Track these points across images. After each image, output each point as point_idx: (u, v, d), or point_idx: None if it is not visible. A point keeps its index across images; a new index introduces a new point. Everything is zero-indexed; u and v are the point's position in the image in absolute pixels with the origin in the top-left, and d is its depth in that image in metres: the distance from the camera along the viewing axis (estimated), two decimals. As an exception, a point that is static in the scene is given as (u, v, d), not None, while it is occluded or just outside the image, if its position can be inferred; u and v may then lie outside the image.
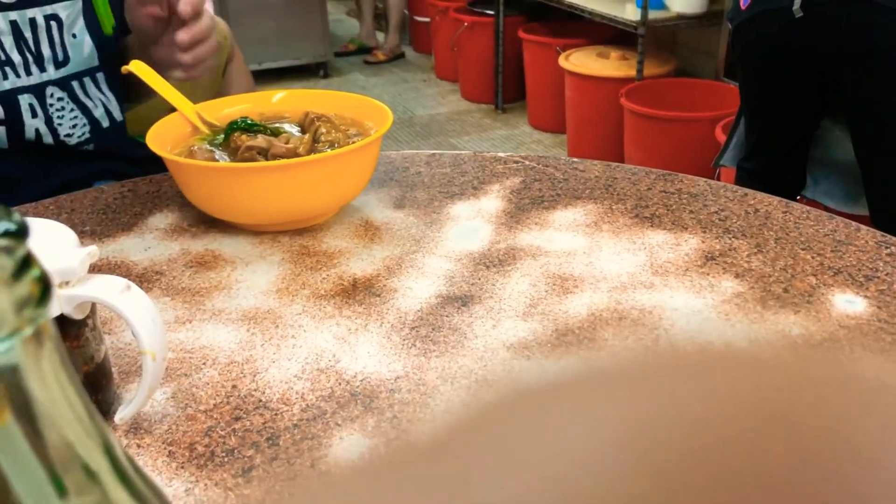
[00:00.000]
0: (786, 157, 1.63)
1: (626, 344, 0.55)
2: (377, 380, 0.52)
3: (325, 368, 0.54)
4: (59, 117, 0.87)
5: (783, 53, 1.51)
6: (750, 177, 1.64)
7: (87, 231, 0.73)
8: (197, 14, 0.79)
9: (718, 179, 2.10)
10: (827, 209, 1.63)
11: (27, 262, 0.18)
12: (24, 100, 0.85)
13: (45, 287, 0.19)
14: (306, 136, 0.72)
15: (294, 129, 0.76)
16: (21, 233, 0.19)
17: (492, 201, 0.77)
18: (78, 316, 0.43)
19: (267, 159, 0.69)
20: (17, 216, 0.19)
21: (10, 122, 0.84)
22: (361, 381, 0.52)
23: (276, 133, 0.74)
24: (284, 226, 0.71)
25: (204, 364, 0.55)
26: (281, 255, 0.68)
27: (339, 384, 0.52)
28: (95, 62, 0.90)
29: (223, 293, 0.63)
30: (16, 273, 0.18)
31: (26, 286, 0.18)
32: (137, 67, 0.77)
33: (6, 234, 0.19)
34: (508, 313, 0.59)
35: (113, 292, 0.42)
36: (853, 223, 0.70)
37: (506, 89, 3.56)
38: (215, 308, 0.61)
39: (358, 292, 0.62)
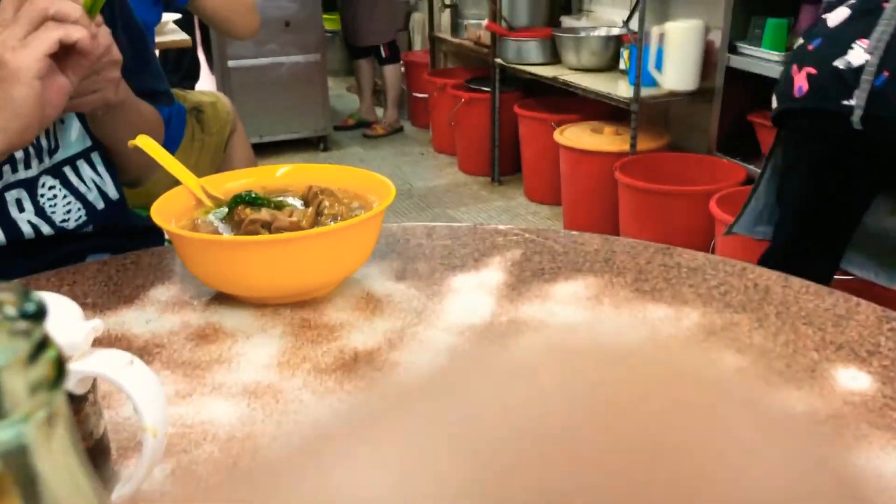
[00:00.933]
0: (830, 243, 1.52)
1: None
2: (379, 456, 0.52)
3: (327, 444, 0.53)
4: (51, 206, 0.86)
5: (841, 153, 1.40)
6: (787, 260, 1.46)
7: (89, 303, 0.73)
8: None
9: (713, 252, 2.11)
10: (861, 281, 1.58)
11: (44, 343, 0.18)
12: (11, 195, 0.83)
13: (60, 368, 0.19)
14: (310, 209, 0.73)
15: (298, 203, 0.77)
16: (39, 314, 0.19)
17: (493, 273, 0.77)
18: (80, 391, 0.43)
19: (270, 233, 0.69)
20: (35, 296, 0.19)
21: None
22: (363, 457, 0.52)
23: (279, 206, 0.75)
24: (287, 299, 0.71)
25: (204, 440, 0.54)
26: (282, 328, 0.68)
27: (341, 461, 0.51)
28: (88, 143, 0.89)
29: (224, 367, 0.62)
30: (32, 356, 0.18)
31: (42, 368, 0.18)
32: (143, 142, 0.78)
33: (24, 315, 0.19)
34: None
35: (117, 367, 0.41)
36: (853, 298, 0.70)
37: (502, 162, 3.61)
38: (216, 382, 0.61)
39: (359, 366, 0.62)
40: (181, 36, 2.62)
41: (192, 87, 3.89)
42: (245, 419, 0.56)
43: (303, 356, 0.64)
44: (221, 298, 0.73)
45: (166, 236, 1.18)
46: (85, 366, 0.41)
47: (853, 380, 0.58)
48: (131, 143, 0.78)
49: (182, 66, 4.07)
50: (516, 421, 0.16)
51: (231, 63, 3.77)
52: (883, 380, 0.58)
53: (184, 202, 0.76)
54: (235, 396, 0.59)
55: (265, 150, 3.81)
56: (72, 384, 0.42)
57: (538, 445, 0.16)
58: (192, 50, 4.01)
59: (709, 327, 0.66)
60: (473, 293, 0.73)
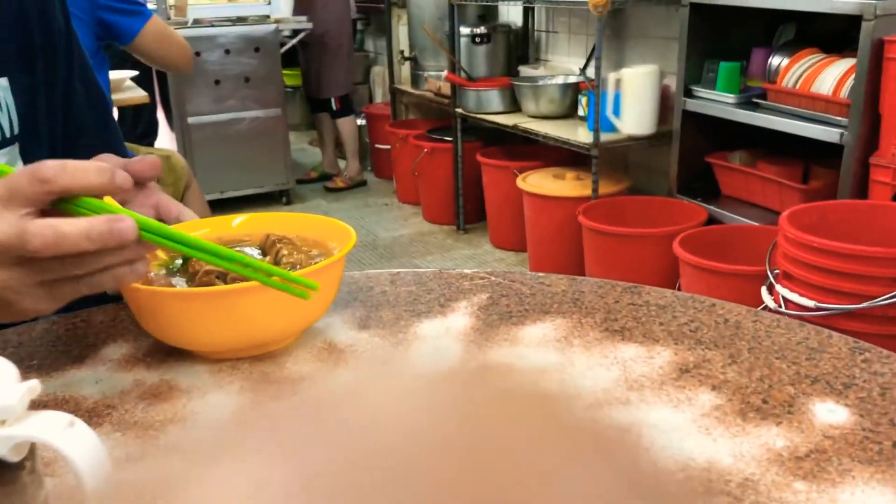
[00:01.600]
0: None
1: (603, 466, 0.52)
2: (344, 515, 0.49)
3: (288, 505, 0.50)
4: None
5: None
6: None
7: (35, 365, 0.70)
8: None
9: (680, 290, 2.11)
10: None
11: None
12: None
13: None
14: (267, 258, 0.71)
15: (255, 253, 0.74)
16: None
17: (459, 318, 0.75)
18: (14, 458, 0.39)
19: (226, 283, 0.67)
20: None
21: None
22: (327, 517, 0.48)
23: None
24: (244, 352, 0.68)
25: (155, 505, 0.50)
26: (240, 384, 0.65)
27: (303, 522, 0.48)
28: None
29: (177, 426, 0.59)
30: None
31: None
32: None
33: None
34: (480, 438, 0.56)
35: (55, 430, 0.38)
36: (825, 330, 0.69)
37: (466, 211, 3.62)
38: (169, 443, 0.57)
39: (324, 419, 0.59)
40: (139, 93, 2.60)
41: (151, 145, 3.87)
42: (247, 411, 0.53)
43: (262, 412, 0.60)
44: (176, 355, 0.70)
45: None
46: (18, 430, 0.38)
47: (831, 413, 0.57)
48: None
49: (140, 124, 4.05)
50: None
51: (191, 119, 3.75)
52: (861, 412, 0.56)
53: None
54: (190, 458, 0.55)
55: (227, 206, 3.77)
56: (5, 451, 0.38)
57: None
58: (151, 107, 3.99)
59: (682, 365, 0.64)
60: (440, 339, 0.71)
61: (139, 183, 0.69)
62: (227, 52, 3.76)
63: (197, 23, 3.77)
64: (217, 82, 3.75)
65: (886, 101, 1.93)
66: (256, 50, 3.81)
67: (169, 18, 3.67)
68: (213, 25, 3.77)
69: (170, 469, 0.54)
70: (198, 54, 3.72)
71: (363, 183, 4.44)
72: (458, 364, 0.66)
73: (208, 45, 3.73)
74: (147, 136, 4.08)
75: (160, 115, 4.25)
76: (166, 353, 0.70)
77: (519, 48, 3.60)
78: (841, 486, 0.49)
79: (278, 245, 0.72)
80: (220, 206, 3.66)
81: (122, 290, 0.64)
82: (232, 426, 0.58)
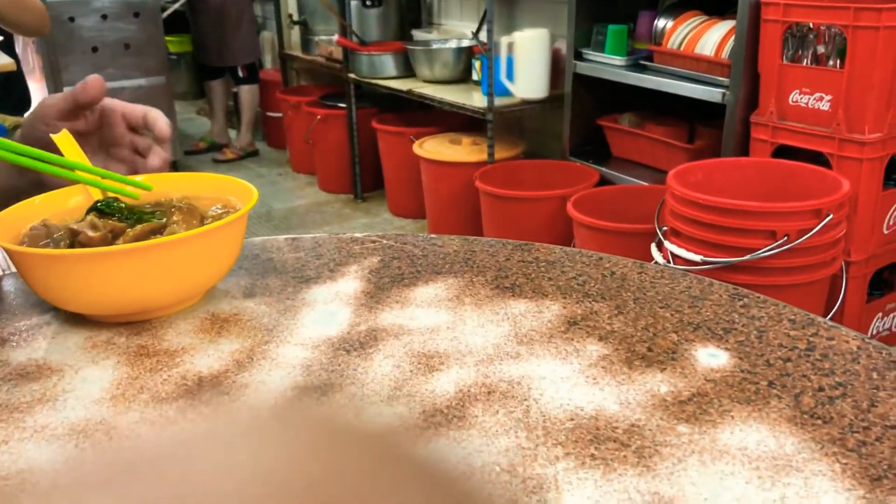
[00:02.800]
0: None
1: (496, 419, 0.52)
2: (228, 487, 0.47)
3: (168, 481, 0.47)
4: None
5: None
6: None
7: None
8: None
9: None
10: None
11: None
12: None
13: None
14: (138, 227, 0.67)
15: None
16: None
17: (350, 283, 0.73)
18: None
19: (73, 246, 0.63)
20: None
21: None
22: (209, 490, 0.46)
23: (139, 218, 0.68)
24: (121, 318, 0.65)
25: (22, 491, 0.47)
26: (116, 359, 0.61)
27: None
28: None
29: (47, 406, 0.55)
30: None
31: None
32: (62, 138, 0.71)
33: None
34: (372, 399, 0.55)
35: None
36: (706, 279, 0.71)
37: (364, 179, 3.58)
38: (37, 424, 0.53)
39: (204, 392, 0.56)
40: (4, 59, 2.43)
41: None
42: (72, 463, 0.49)
43: (139, 386, 0.57)
44: (45, 332, 0.65)
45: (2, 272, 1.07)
46: None
47: (712, 357, 0.58)
48: (55, 136, 0.72)
49: (13, 94, 3.80)
50: None
51: (67, 89, 3.54)
52: (740, 355, 0.58)
53: (28, 217, 0.69)
54: (60, 439, 0.52)
55: (112, 180, 3.60)
56: None
57: None
58: (20, 74, 3.75)
59: (570, 318, 0.65)
60: (329, 304, 0.69)
61: (88, 105, 0.76)
62: (105, 17, 3.56)
63: (70, -14, 3.55)
64: (94, 49, 3.55)
65: (765, 62, 2.00)
66: (136, 15, 3.62)
67: (38, -19, 3.44)
68: (87, -11, 3.56)
69: (35, 454, 0.50)
70: (71, 20, 3.51)
71: (255, 153, 4.32)
72: (346, 329, 0.65)
73: (83, 9, 3.51)
74: (22, 106, 3.83)
75: (32, 84, 3.99)
76: (35, 331, 0.65)
77: (411, 12, 3.56)
78: (721, 426, 0.50)
79: (174, 215, 0.68)
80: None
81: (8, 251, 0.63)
82: (105, 404, 0.55)
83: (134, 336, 0.64)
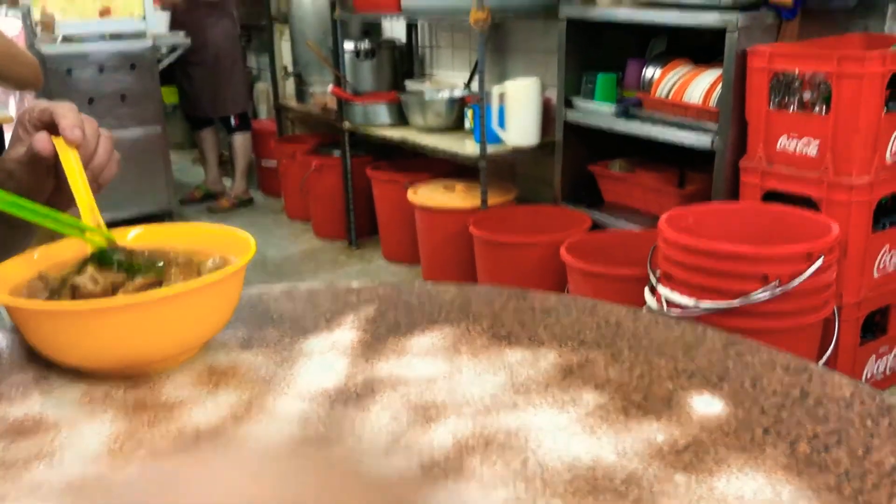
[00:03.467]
0: None
1: (494, 470, 0.52)
2: (226, 543, 0.46)
3: (166, 537, 0.47)
4: None
5: None
6: None
7: None
8: (87, 137, 0.74)
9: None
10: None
11: None
12: None
13: None
14: (137, 280, 0.67)
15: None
16: None
17: (346, 333, 0.73)
18: None
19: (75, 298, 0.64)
20: None
21: None
22: (208, 546, 0.46)
23: (137, 268, 0.68)
24: (119, 371, 0.65)
25: (18, 550, 0.47)
26: (113, 413, 0.61)
27: (182, 554, 0.46)
28: None
29: (44, 463, 0.55)
30: None
31: None
32: (59, 144, 0.72)
33: None
34: (371, 451, 0.55)
35: None
36: (700, 326, 0.72)
37: (358, 225, 3.59)
38: (34, 482, 0.53)
39: (201, 446, 0.56)
40: (2, 112, 2.46)
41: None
42: (69, 520, 0.49)
43: (137, 441, 0.57)
44: (43, 386, 0.65)
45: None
46: None
47: (708, 405, 0.59)
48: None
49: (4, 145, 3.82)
50: None
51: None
52: (735, 402, 0.59)
53: (25, 272, 0.69)
54: (57, 496, 0.52)
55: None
56: None
57: None
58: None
59: (566, 366, 0.65)
60: (326, 355, 0.69)
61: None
62: (102, 69, 3.61)
63: (67, 40, 3.60)
64: (91, 101, 3.59)
65: (752, 108, 2.04)
66: (132, 67, 3.67)
67: (36, 35, 3.49)
68: (84, 42, 3.61)
69: (33, 509, 0.50)
70: (69, 72, 3.55)
71: (249, 201, 4.35)
72: (343, 380, 0.65)
73: (80, 62, 3.56)
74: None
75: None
76: (31, 386, 0.65)
77: (404, 63, 3.62)
78: (717, 474, 0.50)
79: (172, 268, 0.69)
80: (98, 230, 3.49)
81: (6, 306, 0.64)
82: (102, 459, 0.55)
83: (131, 389, 0.64)
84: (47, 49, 3.50)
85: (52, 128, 0.74)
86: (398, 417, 0.59)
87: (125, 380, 0.66)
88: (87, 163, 0.75)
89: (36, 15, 3.51)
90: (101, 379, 0.66)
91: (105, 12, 3.70)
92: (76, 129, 0.72)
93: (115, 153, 0.80)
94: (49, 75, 3.45)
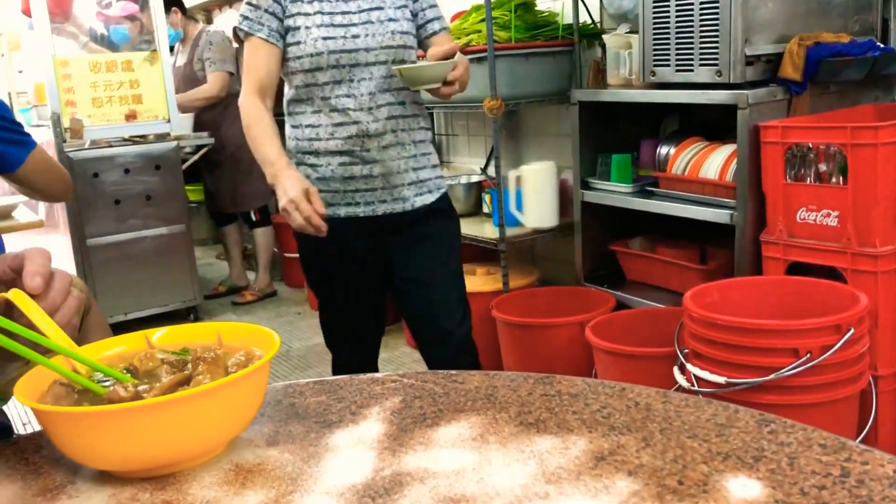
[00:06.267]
0: None
1: (529, 565, 0.50)
2: None
3: None
4: None
5: None
6: None
7: None
8: (47, 284, 0.70)
9: (596, 377, 2.13)
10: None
11: None
12: None
13: None
14: (157, 384, 0.68)
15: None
16: None
17: (372, 425, 0.73)
18: None
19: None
20: None
21: None
22: None
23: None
24: (145, 472, 0.65)
25: None
26: (140, 516, 0.60)
27: None
28: None
29: (70, 571, 0.54)
30: None
31: None
32: (17, 296, 0.69)
33: None
34: (400, 548, 0.54)
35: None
36: (731, 405, 0.70)
37: (381, 314, 3.59)
38: (60, 591, 0.52)
39: (230, 548, 0.56)
40: (32, 217, 2.52)
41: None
42: None
43: (164, 545, 0.56)
44: (70, 489, 0.65)
45: (15, 432, 1.07)
46: None
47: (744, 488, 0.57)
48: (2, 295, 0.69)
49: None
50: None
51: (90, 241, 3.65)
52: (773, 484, 0.57)
53: (52, 375, 0.70)
54: None
55: (133, 328, 3.63)
56: None
57: None
58: None
59: (597, 453, 0.64)
60: (353, 450, 0.69)
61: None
62: (127, 171, 3.71)
63: (94, 144, 3.72)
64: (117, 202, 3.68)
65: (768, 182, 2.05)
66: (157, 168, 3.77)
67: (65, 141, 3.61)
68: (111, 146, 3.73)
69: None
70: (95, 175, 3.65)
71: (273, 294, 4.38)
72: (371, 475, 0.64)
73: (107, 165, 3.67)
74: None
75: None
76: (60, 489, 0.65)
77: (421, 152, 3.69)
78: (761, 562, 0.49)
79: (200, 365, 0.69)
80: (125, 329, 3.53)
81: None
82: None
83: (158, 491, 0.64)
84: (75, 154, 3.61)
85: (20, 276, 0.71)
86: (428, 512, 0.58)
87: (151, 481, 0.65)
88: (50, 314, 0.70)
89: (65, 122, 3.64)
90: (128, 481, 0.66)
91: (131, 116, 3.84)
92: (37, 276, 0.69)
93: (76, 309, 0.74)
94: (76, 179, 3.55)
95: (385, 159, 1.80)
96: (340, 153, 1.80)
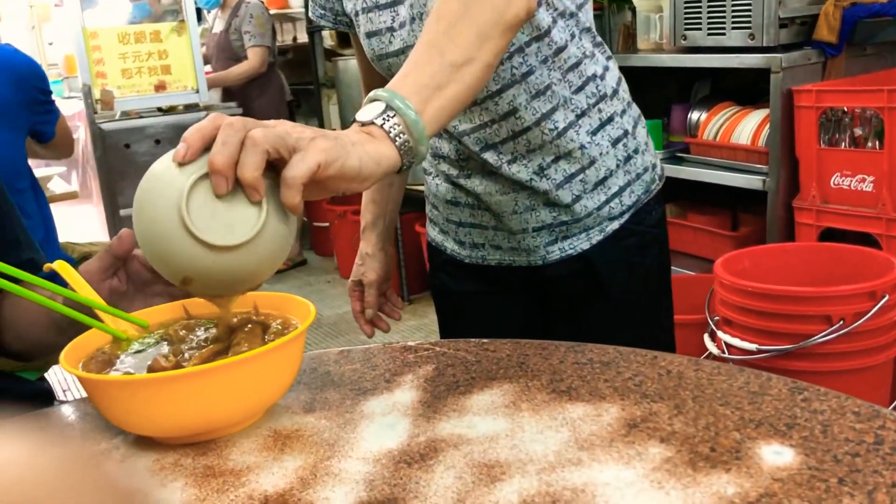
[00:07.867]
0: None
1: (563, 529, 0.51)
2: None
3: None
4: None
5: None
6: None
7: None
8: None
9: (626, 346, 2.13)
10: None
11: None
12: None
13: None
14: (201, 351, 0.69)
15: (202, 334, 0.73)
16: None
17: (406, 393, 0.74)
18: None
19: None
20: None
21: None
22: None
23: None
24: (187, 438, 0.67)
25: None
26: (184, 480, 0.62)
27: None
28: None
29: (119, 532, 0.56)
30: None
31: None
32: (61, 267, 0.74)
33: None
34: (436, 512, 0.55)
35: None
36: (763, 373, 0.70)
37: (409, 282, 3.62)
38: (110, 551, 0.54)
39: (271, 511, 0.57)
40: (66, 187, 2.56)
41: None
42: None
43: (208, 508, 0.58)
44: (114, 455, 0.67)
45: (57, 398, 1.10)
46: None
47: (777, 455, 0.57)
48: (48, 266, 0.75)
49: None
50: None
51: (123, 212, 3.70)
52: (805, 451, 0.57)
53: (95, 343, 0.72)
54: (133, 564, 0.53)
55: (166, 296, 3.70)
56: None
57: None
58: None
59: (629, 420, 0.64)
60: (388, 416, 0.70)
61: (124, 256, 0.81)
62: (158, 141, 3.74)
63: (125, 115, 3.75)
64: (149, 172, 3.72)
65: (801, 147, 2.02)
66: (188, 138, 3.80)
67: (96, 112, 3.65)
68: (141, 116, 3.76)
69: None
70: (127, 146, 3.69)
71: (303, 262, 4.42)
72: (406, 441, 0.65)
73: (138, 135, 3.70)
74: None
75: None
76: (105, 456, 0.67)
77: (449, 119, 3.67)
78: (794, 528, 0.49)
79: (238, 333, 0.71)
80: (158, 297, 3.58)
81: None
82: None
83: (200, 457, 0.66)
84: (107, 125, 3.65)
85: None
86: (462, 477, 0.59)
87: (193, 447, 0.67)
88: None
89: (96, 94, 3.67)
90: (171, 447, 0.68)
91: (160, 87, 3.86)
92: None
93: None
94: (108, 150, 3.60)
95: None
96: None
